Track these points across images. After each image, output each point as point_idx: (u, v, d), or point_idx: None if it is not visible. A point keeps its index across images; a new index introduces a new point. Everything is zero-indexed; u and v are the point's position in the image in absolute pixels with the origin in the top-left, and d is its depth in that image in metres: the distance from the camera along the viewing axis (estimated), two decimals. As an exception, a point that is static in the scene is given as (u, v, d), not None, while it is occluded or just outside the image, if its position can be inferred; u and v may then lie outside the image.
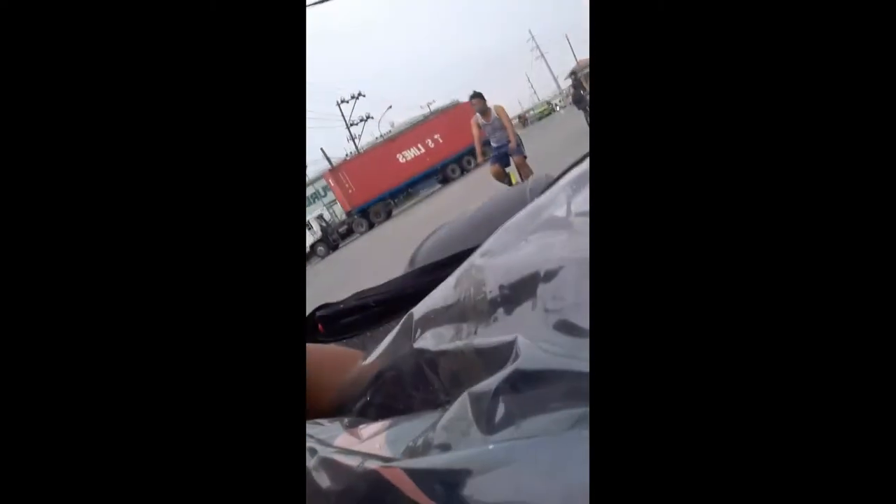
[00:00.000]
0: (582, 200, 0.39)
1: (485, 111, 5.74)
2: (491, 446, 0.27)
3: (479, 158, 6.23)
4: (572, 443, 0.25)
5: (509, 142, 5.73)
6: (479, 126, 5.82)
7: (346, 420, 0.41)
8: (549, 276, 0.34)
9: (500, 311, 0.36)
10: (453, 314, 0.39)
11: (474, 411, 0.30)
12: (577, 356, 0.28)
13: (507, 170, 5.90)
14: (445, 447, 0.30)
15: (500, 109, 5.82)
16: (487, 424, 0.29)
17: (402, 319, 0.44)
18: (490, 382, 0.30)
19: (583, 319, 0.30)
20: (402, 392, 0.41)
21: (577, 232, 0.37)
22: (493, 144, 5.90)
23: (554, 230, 0.39)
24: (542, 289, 0.34)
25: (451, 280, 0.43)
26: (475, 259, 0.42)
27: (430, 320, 0.41)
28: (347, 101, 29.62)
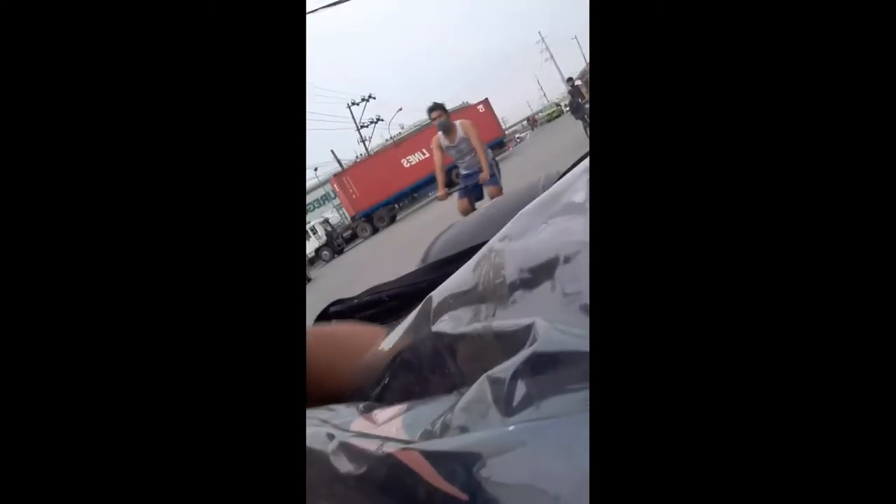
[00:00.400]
0: None
1: (448, 129, 4.35)
2: (511, 427, 0.28)
3: (441, 192, 4.62)
4: (581, 424, 0.25)
5: (481, 170, 4.33)
6: (441, 149, 4.44)
7: (360, 405, 0.41)
8: (568, 259, 0.34)
9: (519, 294, 0.36)
10: (472, 297, 0.39)
11: (493, 394, 0.30)
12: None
13: (478, 205, 4.42)
14: (464, 430, 0.30)
15: (467, 126, 4.38)
16: (506, 407, 0.29)
17: (422, 303, 0.44)
18: (508, 365, 0.30)
19: None
20: (420, 376, 0.41)
21: None
22: (462, 172, 4.53)
23: (572, 215, 0.39)
24: (560, 272, 0.34)
25: (470, 264, 0.43)
26: (494, 243, 0.42)
27: (449, 304, 0.41)
28: (358, 104, 29.69)
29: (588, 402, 0.26)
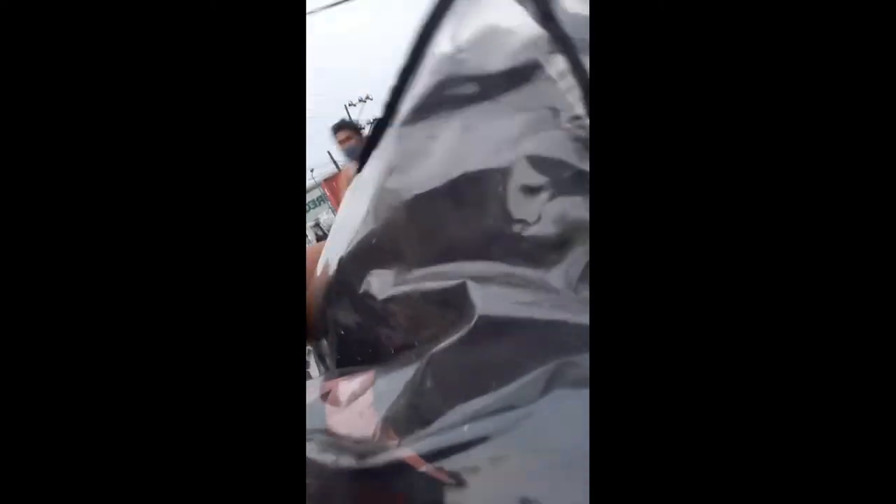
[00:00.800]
0: (480, 55, 0.33)
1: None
2: (466, 427, 0.26)
3: None
4: (552, 407, 0.24)
5: None
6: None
7: (322, 378, 0.39)
8: (473, 185, 0.30)
9: (435, 240, 0.33)
10: (384, 251, 0.36)
11: (440, 377, 0.29)
12: (536, 302, 0.27)
13: None
14: (426, 419, 0.28)
15: None
16: (458, 393, 0.27)
17: (335, 265, 0.40)
18: (450, 343, 0.29)
19: (540, 231, 0.28)
20: (368, 335, 0.38)
21: (495, 113, 0.32)
22: None
23: (443, 72, 0.34)
24: (470, 208, 0.30)
25: (368, 211, 0.37)
26: (384, 181, 0.37)
27: (363, 259, 0.37)
28: (355, 105, 29.74)
29: (543, 380, 0.25)
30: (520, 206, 0.30)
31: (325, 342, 0.44)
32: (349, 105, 29.98)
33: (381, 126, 0.42)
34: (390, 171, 0.37)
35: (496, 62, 0.34)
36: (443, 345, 0.29)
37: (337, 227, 0.43)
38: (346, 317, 0.40)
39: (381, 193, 0.37)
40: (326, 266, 0.42)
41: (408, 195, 0.35)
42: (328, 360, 0.43)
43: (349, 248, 0.39)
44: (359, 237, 0.38)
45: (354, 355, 0.39)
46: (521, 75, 0.33)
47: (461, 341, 0.29)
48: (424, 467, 0.27)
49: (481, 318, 0.28)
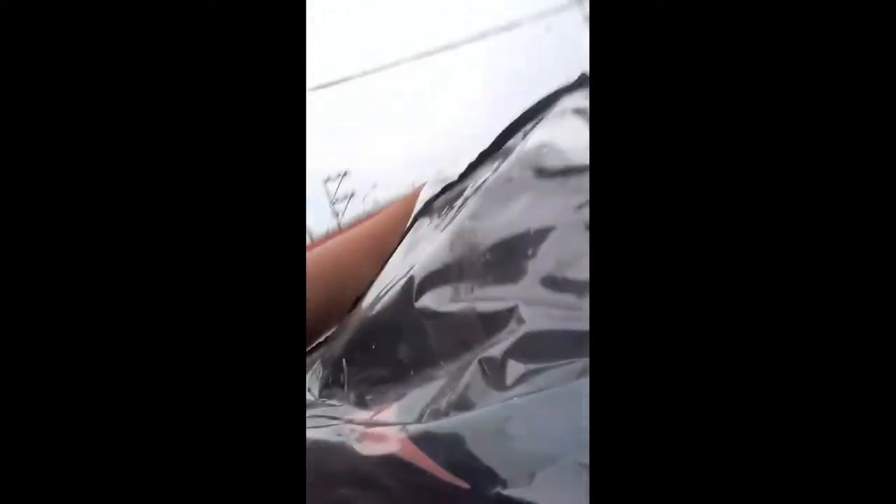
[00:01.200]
0: (572, 151, 0.40)
1: None
2: (515, 399, 0.30)
3: None
4: (576, 392, 0.28)
5: None
6: None
7: (351, 396, 0.42)
8: (542, 236, 0.37)
9: (496, 271, 0.38)
10: (451, 276, 0.40)
11: (488, 373, 0.32)
12: (578, 318, 0.31)
13: None
14: (461, 409, 0.32)
15: None
16: (501, 384, 0.32)
17: (404, 281, 0.42)
18: (498, 348, 0.33)
19: (578, 275, 0.33)
20: (402, 349, 0.41)
21: (569, 190, 0.39)
22: None
23: (545, 180, 0.41)
24: (535, 249, 0.36)
25: (443, 243, 0.42)
26: (464, 222, 0.42)
27: (431, 283, 0.41)
28: (333, 180, 32.81)
29: (575, 373, 0.29)
30: (572, 257, 0.35)
31: (356, 356, 0.45)
32: (326, 181, 33.19)
33: (459, 193, 0.48)
34: (472, 216, 0.42)
35: (573, 162, 0.41)
36: (489, 352, 0.33)
37: (406, 251, 0.46)
38: (391, 333, 0.42)
39: (461, 230, 0.41)
40: (390, 285, 0.44)
41: (483, 236, 0.40)
42: (354, 377, 0.44)
43: (423, 273, 0.42)
44: (436, 266, 0.41)
45: (383, 372, 0.41)
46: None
47: (508, 348, 0.32)
48: (427, 465, 0.29)
49: (527, 330, 0.32)
